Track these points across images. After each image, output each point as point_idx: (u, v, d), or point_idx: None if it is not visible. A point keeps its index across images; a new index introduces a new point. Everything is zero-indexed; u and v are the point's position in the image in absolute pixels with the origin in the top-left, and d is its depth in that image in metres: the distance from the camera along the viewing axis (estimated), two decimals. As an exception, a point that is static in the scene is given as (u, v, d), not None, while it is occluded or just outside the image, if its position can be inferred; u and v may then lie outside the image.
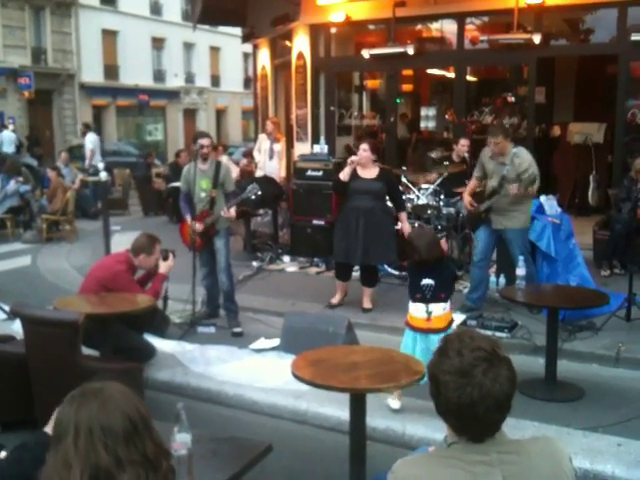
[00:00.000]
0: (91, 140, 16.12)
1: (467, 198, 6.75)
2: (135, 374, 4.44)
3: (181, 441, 2.20)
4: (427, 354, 4.38)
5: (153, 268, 5.54)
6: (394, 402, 4.51)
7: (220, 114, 39.64)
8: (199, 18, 12.74)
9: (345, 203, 6.92)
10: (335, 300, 7.03)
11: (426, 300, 4.41)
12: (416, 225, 8.08)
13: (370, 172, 6.78)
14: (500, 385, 1.77)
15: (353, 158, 6.82)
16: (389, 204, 7.06)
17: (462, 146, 8.54)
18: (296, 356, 3.73)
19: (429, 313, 4.39)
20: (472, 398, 1.74)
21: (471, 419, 1.77)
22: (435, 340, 4.31)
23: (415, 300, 4.47)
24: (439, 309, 4.42)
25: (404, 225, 6.85)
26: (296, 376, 3.37)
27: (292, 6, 10.87)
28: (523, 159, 6.28)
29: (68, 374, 4.00)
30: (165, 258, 5.59)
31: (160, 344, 5.79)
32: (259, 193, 6.96)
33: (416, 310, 4.46)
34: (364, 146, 6.76)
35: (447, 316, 4.50)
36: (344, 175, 6.74)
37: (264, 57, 13.82)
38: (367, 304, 6.86)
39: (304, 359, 3.59)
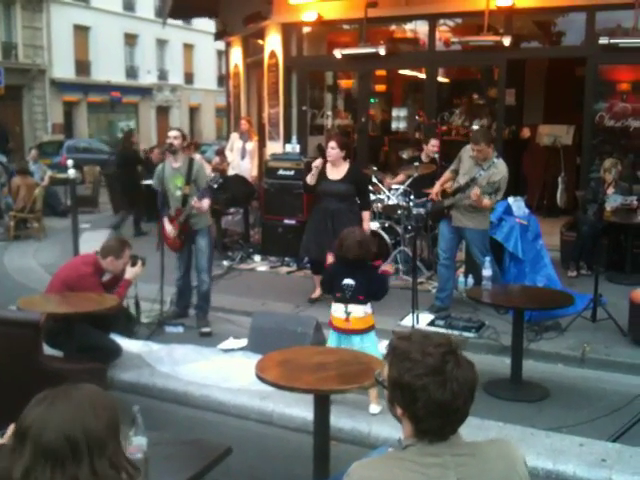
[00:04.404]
0: None
1: (437, 187, 6.77)
2: (99, 374, 4.39)
3: (137, 444, 2.17)
4: None
5: (120, 272, 5.40)
6: (373, 407, 4.50)
7: (193, 112, 39.45)
8: (170, 13, 12.64)
9: (315, 204, 7.05)
10: (315, 295, 7.15)
11: (345, 300, 4.44)
12: (386, 225, 8.15)
13: (338, 172, 6.82)
14: (471, 372, 1.80)
15: (316, 162, 6.90)
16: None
17: (432, 146, 8.59)
18: (261, 357, 3.71)
19: (348, 313, 4.43)
20: (453, 392, 1.75)
21: (452, 414, 1.78)
22: (356, 342, 4.36)
23: (336, 299, 4.52)
24: (358, 311, 4.45)
25: (365, 224, 6.88)
26: (260, 377, 3.35)
27: (264, 4, 10.83)
28: (498, 171, 6.31)
29: (30, 374, 3.94)
30: (133, 264, 5.43)
31: (127, 344, 5.73)
32: (220, 181, 6.91)
33: (336, 310, 4.51)
34: (332, 144, 6.79)
35: (367, 319, 4.51)
36: (310, 179, 6.88)
37: (237, 55, 13.76)
38: None
39: (268, 360, 3.58)
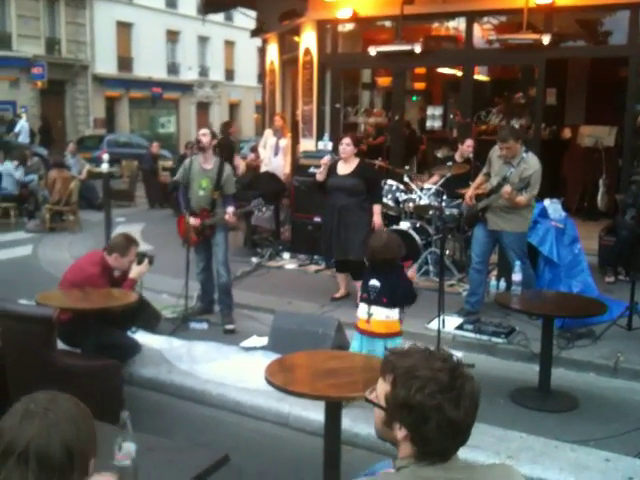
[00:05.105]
0: None
1: (471, 191, 6.62)
2: (113, 371, 4.33)
3: (125, 452, 2.09)
4: None
5: (127, 270, 5.28)
6: None
7: (233, 108, 39.63)
8: (205, 6, 12.67)
9: (326, 200, 7.00)
10: (338, 294, 7.11)
11: (369, 301, 4.44)
12: (417, 225, 8.00)
13: (348, 167, 6.80)
14: (476, 386, 1.71)
15: (324, 160, 6.93)
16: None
17: (467, 147, 8.41)
18: (272, 360, 3.61)
19: (370, 315, 4.41)
20: (466, 410, 1.66)
21: (461, 434, 1.68)
22: (379, 346, 4.31)
23: (361, 299, 4.53)
24: (380, 314, 4.42)
25: (375, 217, 6.75)
26: (269, 381, 3.26)
27: (299, 1, 10.74)
28: (530, 165, 6.10)
29: (44, 370, 3.93)
30: (140, 262, 5.31)
31: (149, 340, 5.72)
32: (264, 209, 7.00)
33: (360, 310, 4.51)
34: (346, 140, 6.78)
35: (390, 324, 4.45)
36: (320, 175, 6.90)
37: (273, 52, 13.70)
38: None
39: (279, 364, 3.48)
